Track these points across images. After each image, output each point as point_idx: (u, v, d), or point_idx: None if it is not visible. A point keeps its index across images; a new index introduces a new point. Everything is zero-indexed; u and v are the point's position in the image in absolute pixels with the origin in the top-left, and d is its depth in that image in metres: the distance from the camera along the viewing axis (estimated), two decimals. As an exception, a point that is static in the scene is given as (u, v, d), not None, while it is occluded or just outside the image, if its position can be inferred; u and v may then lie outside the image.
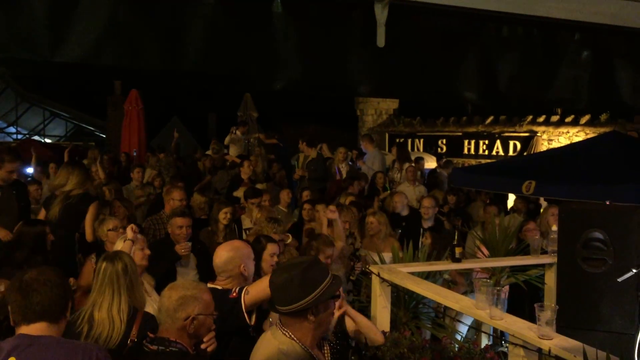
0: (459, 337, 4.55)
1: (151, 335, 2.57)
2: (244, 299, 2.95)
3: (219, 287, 3.18)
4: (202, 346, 2.67)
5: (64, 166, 5.65)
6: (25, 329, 2.11)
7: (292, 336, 2.32)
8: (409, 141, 15.22)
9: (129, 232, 3.99)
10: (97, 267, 3.34)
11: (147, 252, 4.03)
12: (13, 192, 5.18)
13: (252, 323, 3.02)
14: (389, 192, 8.99)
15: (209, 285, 3.20)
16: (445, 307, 4.34)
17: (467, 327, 4.75)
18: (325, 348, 2.91)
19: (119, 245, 3.95)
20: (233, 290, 3.06)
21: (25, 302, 2.11)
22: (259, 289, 2.94)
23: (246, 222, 6.40)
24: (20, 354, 2.04)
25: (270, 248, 3.99)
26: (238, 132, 11.86)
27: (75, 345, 2.14)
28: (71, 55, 1.65)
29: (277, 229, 4.97)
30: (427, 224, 6.52)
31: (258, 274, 3.68)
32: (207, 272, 4.78)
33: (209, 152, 11.20)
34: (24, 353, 2.04)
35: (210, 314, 2.60)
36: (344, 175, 9.49)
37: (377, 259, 5.13)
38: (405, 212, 7.07)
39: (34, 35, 1.66)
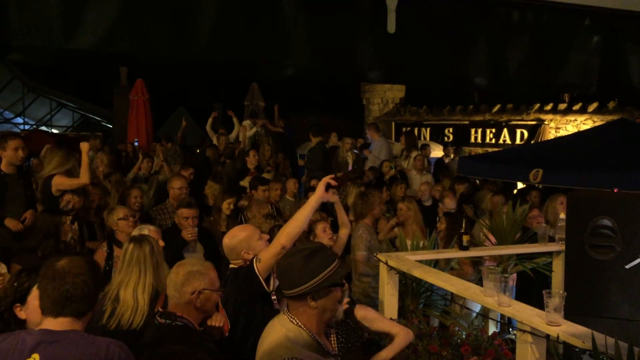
0: (465, 324, 4.57)
1: (161, 309, 2.68)
2: (257, 266, 2.96)
3: (235, 266, 3.25)
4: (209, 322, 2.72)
5: (46, 152, 5.68)
6: (50, 322, 2.08)
7: (299, 323, 2.34)
8: (416, 130, 15.15)
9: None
10: (124, 249, 3.38)
11: (162, 243, 4.07)
12: (20, 181, 5.20)
13: (271, 289, 3.03)
14: (394, 170, 9.00)
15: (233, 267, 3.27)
16: (453, 295, 4.36)
17: (474, 314, 4.77)
18: (332, 336, 2.92)
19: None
20: (245, 262, 3.10)
21: (55, 293, 2.06)
22: (270, 253, 2.97)
23: (252, 212, 6.42)
24: (44, 351, 2.01)
25: None
26: (249, 122, 11.79)
27: (98, 343, 2.11)
28: (85, 43, 1.67)
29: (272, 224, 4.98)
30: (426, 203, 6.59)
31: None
32: (213, 260, 4.83)
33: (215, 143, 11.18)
34: (47, 350, 2.02)
35: (217, 290, 2.70)
36: (350, 165, 9.49)
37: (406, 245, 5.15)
38: (429, 203, 7.09)
39: (47, 22, 1.67)
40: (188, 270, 2.65)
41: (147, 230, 3.99)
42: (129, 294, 3.16)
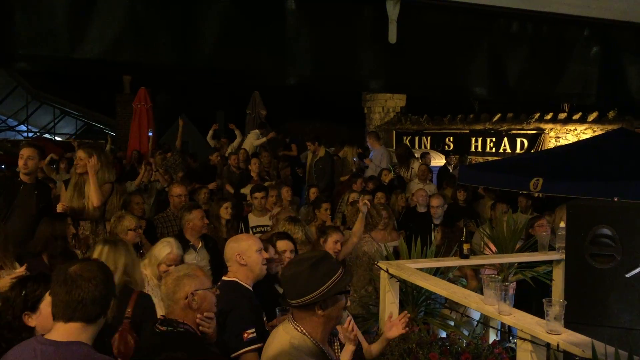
0: (466, 332, 4.57)
1: (161, 317, 2.69)
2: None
3: (227, 279, 3.31)
4: (200, 325, 2.73)
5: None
6: (61, 327, 2.05)
7: (304, 330, 2.35)
8: (416, 139, 15.21)
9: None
10: (97, 249, 3.40)
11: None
12: (35, 191, 5.20)
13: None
14: (393, 174, 9.01)
15: (223, 278, 3.32)
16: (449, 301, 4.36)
17: (475, 323, 4.77)
18: (335, 344, 2.93)
19: (159, 249, 3.92)
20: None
21: (66, 297, 2.03)
22: None
23: (253, 220, 6.43)
24: None
25: (284, 245, 4.03)
26: (257, 132, 11.79)
27: None
28: (91, 52, 1.69)
29: (299, 229, 4.91)
30: (437, 222, 6.56)
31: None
32: (217, 267, 4.83)
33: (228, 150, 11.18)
34: None
35: (209, 289, 2.70)
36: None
37: (382, 248, 5.19)
38: (423, 209, 7.10)
39: (53, 32, 1.70)
40: (175, 276, 2.68)
41: (170, 246, 3.90)
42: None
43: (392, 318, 3.25)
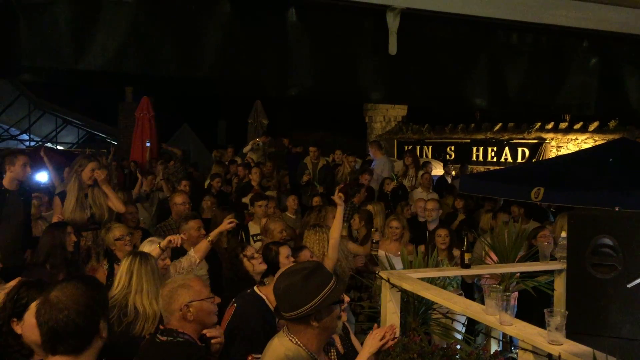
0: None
1: (162, 327, 2.69)
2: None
3: (258, 292, 3.33)
4: (208, 334, 2.73)
5: None
6: None
7: (298, 342, 2.34)
8: (418, 148, 15.23)
9: (165, 243, 4.02)
10: (128, 261, 3.43)
11: (168, 261, 4.08)
12: (21, 198, 5.20)
13: None
14: (395, 182, 9.02)
15: (255, 288, 3.37)
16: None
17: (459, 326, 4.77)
18: (331, 353, 2.92)
19: (146, 248, 3.97)
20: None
21: (43, 328, 1.83)
22: None
23: (253, 229, 6.43)
24: None
25: (283, 251, 4.05)
26: (259, 141, 11.86)
27: None
28: (94, 64, 1.71)
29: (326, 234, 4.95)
30: (431, 227, 6.55)
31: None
32: (216, 276, 4.82)
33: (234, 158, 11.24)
34: None
35: (206, 299, 2.68)
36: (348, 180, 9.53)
37: (385, 260, 5.16)
38: (423, 219, 7.10)
39: (57, 43, 1.72)
40: (170, 288, 2.69)
41: (150, 243, 3.98)
42: (146, 301, 3.24)
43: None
